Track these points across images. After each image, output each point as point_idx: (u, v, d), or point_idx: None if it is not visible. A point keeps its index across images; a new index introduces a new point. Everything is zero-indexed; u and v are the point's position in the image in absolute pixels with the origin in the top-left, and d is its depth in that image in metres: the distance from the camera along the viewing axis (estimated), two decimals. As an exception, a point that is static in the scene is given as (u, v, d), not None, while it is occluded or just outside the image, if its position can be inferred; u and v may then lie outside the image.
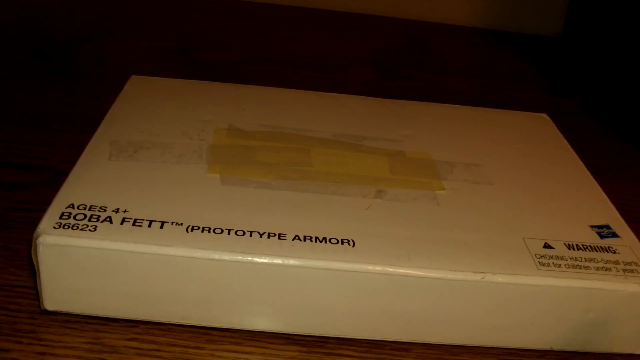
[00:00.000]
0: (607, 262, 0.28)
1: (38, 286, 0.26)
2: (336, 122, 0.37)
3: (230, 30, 0.60)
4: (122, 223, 0.27)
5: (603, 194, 0.33)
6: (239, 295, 0.27)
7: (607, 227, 0.31)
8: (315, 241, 0.27)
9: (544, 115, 0.41)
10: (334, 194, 0.30)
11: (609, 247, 0.29)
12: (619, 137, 0.50)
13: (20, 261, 0.30)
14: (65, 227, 0.26)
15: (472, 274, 0.27)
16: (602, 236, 0.30)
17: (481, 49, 0.65)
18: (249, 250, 0.26)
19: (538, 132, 0.39)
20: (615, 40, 0.53)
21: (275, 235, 0.27)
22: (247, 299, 0.27)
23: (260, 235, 0.27)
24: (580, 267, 0.28)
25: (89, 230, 0.26)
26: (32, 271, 0.26)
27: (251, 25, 0.62)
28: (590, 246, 0.29)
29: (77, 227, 0.26)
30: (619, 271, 0.28)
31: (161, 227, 0.27)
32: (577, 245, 0.29)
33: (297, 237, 0.27)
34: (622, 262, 0.28)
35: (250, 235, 0.27)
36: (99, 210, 0.27)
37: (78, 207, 0.27)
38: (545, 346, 0.29)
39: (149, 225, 0.27)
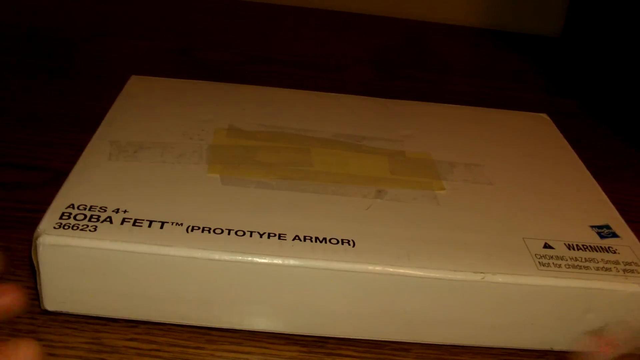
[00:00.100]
0: (607, 262, 0.28)
1: (38, 286, 0.26)
2: (336, 122, 0.37)
3: (230, 30, 0.60)
4: (122, 223, 0.27)
5: (603, 194, 0.33)
6: (239, 296, 0.27)
7: (607, 227, 0.31)
8: (316, 241, 0.27)
9: (544, 115, 0.41)
10: (334, 194, 0.30)
11: (609, 247, 0.29)
12: (619, 137, 0.50)
13: (20, 261, 0.30)
14: (66, 227, 0.26)
15: (472, 274, 0.27)
16: (602, 236, 0.30)
17: (481, 49, 0.65)
18: (249, 250, 0.26)
19: (538, 132, 0.39)
20: (615, 40, 0.53)
21: (275, 235, 0.27)
22: (247, 299, 0.27)
23: (260, 236, 0.27)
24: (580, 267, 0.28)
25: (89, 230, 0.26)
26: (32, 271, 0.26)
27: (251, 25, 0.62)
28: (590, 246, 0.29)
29: (77, 227, 0.26)
30: (619, 271, 0.28)
31: (161, 227, 0.27)
32: (577, 245, 0.29)
33: (297, 237, 0.27)
34: (622, 262, 0.28)
35: (250, 236, 0.27)
36: (99, 211, 0.27)
37: (78, 207, 0.27)
38: (545, 346, 0.29)
39: (149, 226, 0.27)
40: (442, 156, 0.35)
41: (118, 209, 0.27)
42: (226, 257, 0.26)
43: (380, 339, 0.28)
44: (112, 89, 0.38)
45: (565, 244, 0.29)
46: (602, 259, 0.28)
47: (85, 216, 0.27)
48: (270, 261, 0.26)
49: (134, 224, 0.27)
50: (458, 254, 0.27)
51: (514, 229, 0.30)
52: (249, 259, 0.26)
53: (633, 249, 0.29)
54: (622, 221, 0.31)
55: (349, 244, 0.27)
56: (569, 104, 0.54)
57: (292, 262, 0.26)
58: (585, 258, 0.28)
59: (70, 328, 0.27)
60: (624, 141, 0.49)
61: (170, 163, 0.31)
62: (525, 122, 0.40)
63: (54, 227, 0.26)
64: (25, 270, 0.30)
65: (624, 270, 0.28)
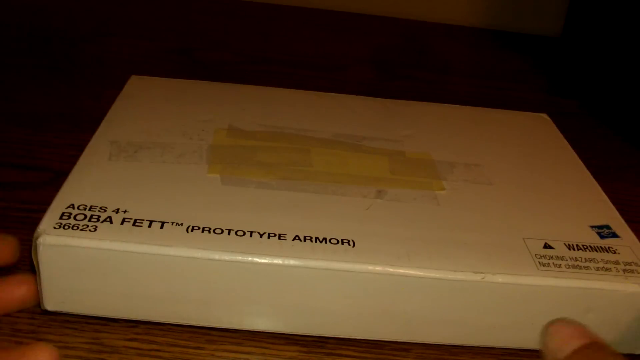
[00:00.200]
0: (607, 262, 0.28)
1: (38, 286, 0.26)
2: (336, 122, 0.37)
3: (230, 30, 0.60)
4: (122, 223, 0.27)
5: (603, 194, 0.33)
6: (239, 296, 0.27)
7: (607, 227, 0.31)
8: (316, 241, 0.27)
9: (544, 115, 0.41)
10: (334, 194, 0.30)
11: (609, 247, 0.29)
12: (619, 137, 0.49)
13: (21, 261, 0.30)
14: (66, 227, 0.26)
15: (472, 274, 0.27)
16: (602, 236, 0.30)
17: (481, 49, 0.65)
18: (249, 250, 0.26)
19: (538, 132, 0.39)
20: (615, 40, 0.53)
21: (275, 235, 0.27)
22: (247, 299, 0.27)
23: (261, 236, 0.27)
24: (580, 267, 0.28)
25: (89, 230, 0.26)
26: (32, 271, 0.26)
27: (251, 25, 0.62)
28: (590, 246, 0.29)
29: (77, 227, 0.26)
30: (619, 271, 0.28)
31: (161, 227, 0.27)
32: (577, 245, 0.29)
33: (297, 237, 0.27)
34: (622, 262, 0.28)
35: (251, 236, 0.27)
36: (99, 211, 0.27)
37: (78, 207, 0.27)
38: (545, 346, 0.29)
39: (149, 226, 0.27)
40: (442, 156, 0.35)
41: (118, 209, 0.27)
42: (226, 257, 0.26)
43: (380, 339, 0.28)
44: (112, 89, 0.38)
45: (565, 244, 0.29)
46: (602, 259, 0.28)
47: (85, 216, 0.27)
48: (270, 261, 0.26)
49: (134, 224, 0.27)
50: (458, 254, 0.27)
51: (514, 229, 0.30)
52: (249, 259, 0.26)
53: (633, 249, 0.29)
54: (622, 221, 0.31)
55: (349, 244, 0.27)
56: (569, 104, 0.54)
57: (292, 262, 0.26)
58: (585, 258, 0.28)
59: (70, 328, 0.27)
60: (624, 141, 0.49)
61: (170, 163, 0.31)
62: (525, 122, 0.40)
63: (54, 227, 0.26)
64: (25, 271, 0.30)
65: (624, 270, 0.28)
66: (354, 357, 0.28)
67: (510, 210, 0.31)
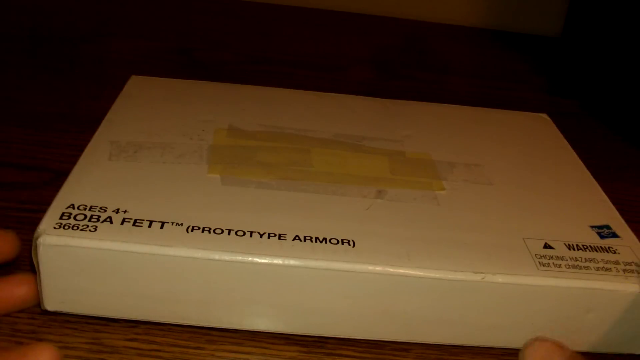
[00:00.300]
0: (607, 262, 0.28)
1: (38, 286, 0.26)
2: (336, 122, 0.37)
3: (230, 30, 0.60)
4: (122, 223, 0.27)
5: (603, 194, 0.33)
6: (239, 296, 0.27)
7: (607, 227, 0.31)
8: (316, 241, 0.27)
9: (544, 115, 0.41)
10: (334, 194, 0.30)
11: (609, 247, 0.29)
12: (619, 137, 0.50)
13: (21, 261, 0.30)
14: (66, 227, 0.26)
15: (472, 274, 0.27)
16: (602, 236, 0.30)
17: (481, 49, 0.65)
18: (249, 250, 0.26)
19: (538, 132, 0.39)
20: (615, 40, 0.53)
21: (275, 235, 0.27)
22: (247, 300, 0.27)
23: (261, 236, 0.27)
24: (580, 267, 0.28)
25: (89, 230, 0.26)
26: (32, 271, 0.26)
27: (251, 25, 0.62)
28: (590, 246, 0.29)
29: (78, 228, 0.26)
30: (619, 271, 0.28)
31: (161, 227, 0.27)
32: (577, 245, 0.29)
33: (297, 238, 0.27)
34: (622, 262, 0.28)
35: (251, 236, 0.27)
36: (99, 211, 0.27)
37: (78, 208, 0.27)
38: (545, 346, 0.29)
39: (149, 226, 0.27)
40: (442, 156, 0.35)
41: (118, 209, 0.27)
42: (226, 257, 0.26)
43: (380, 339, 0.28)
44: (112, 89, 0.38)
45: (565, 244, 0.29)
46: (602, 259, 0.28)
47: (86, 216, 0.27)
48: (270, 261, 0.26)
49: (134, 224, 0.27)
50: (458, 254, 0.27)
51: (514, 229, 0.30)
52: (249, 259, 0.26)
53: (633, 249, 0.29)
54: (622, 221, 0.31)
55: (349, 244, 0.27)
56: (569, 104, 0.54)
57: (292, 262, 0.26)
58: (585, 258, 0.28)
59: (70, 328, 0.27)
60: (624, 141, 0.49)
61: (170, 163, 0.31)
62: (525, 122, 0.40)
63: (54, 227, 0.26)
64: (25, 270, 0.30)
65: (624, 270, 0.28)
66: (354, 357, 0.28)
67: (510, 210, 0.31)
